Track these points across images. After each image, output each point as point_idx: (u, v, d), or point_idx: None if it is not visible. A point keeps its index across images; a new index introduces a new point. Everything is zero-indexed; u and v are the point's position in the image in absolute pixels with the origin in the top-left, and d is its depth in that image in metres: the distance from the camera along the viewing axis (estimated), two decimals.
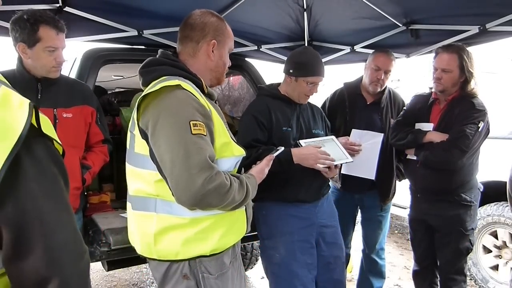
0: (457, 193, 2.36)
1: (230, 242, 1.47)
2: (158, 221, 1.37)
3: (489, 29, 2.46)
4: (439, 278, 2.54)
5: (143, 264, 3.88)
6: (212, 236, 1.40)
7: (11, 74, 1.92)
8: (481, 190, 2.48)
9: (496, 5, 2.29)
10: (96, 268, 3.86)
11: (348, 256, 2.85)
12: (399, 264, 4.25)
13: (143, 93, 1.35)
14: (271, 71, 3.90)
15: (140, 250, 1.47)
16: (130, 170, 1.46)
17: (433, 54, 2.44)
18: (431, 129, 2.39)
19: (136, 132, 1.38)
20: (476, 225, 2.53)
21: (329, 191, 2.38)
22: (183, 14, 2.77)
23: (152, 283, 3.78)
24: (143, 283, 3.79)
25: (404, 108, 2.68)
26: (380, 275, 2.86)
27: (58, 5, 2.50)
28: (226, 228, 1.44)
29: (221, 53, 1.52)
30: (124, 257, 2.27)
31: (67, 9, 2.54)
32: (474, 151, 2.30)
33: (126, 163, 1.49)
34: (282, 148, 1.89)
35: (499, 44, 2.73)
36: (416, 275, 2.67)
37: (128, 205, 1.51)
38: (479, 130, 2.21)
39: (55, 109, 1.94)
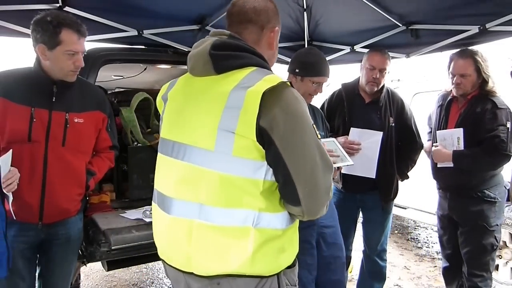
0: (480, 189, 2.40)
1: (298, 248, 1.38)
2: (256, 235, 1.18)
3: (489, 29, 2.46)
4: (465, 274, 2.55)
5: (143, 264, 3.89)
6: (293, 245, 1.33)
7: (26, 72, 1.91)
8: (508, 187, 2.52)
9: (496, 5, 2.29)
10: (96, 268, 3.86)
11: (349, 258, 2.83)
12: (399, 264, 4.25)
13: (262, 88, 1.13)
14: None
15: (217, 269, 1.21)
16: (216, 177, 1.19)
17: (433, 55, 2.47)
18: (461, 134, 2.39)
19: (244, 132, 1.14)
20: (502, 221, 2.56)
21: None
22: (183, 14, 2.81)
23: (152, 283, 3.78)
24: (143, 283, 3.78)
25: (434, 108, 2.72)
26: (381, 276, 2.85)
27: (58, 5, 2.51)
28: (297, 235, 1.38)
29: (277, 43, 1.41)
30: (124, 257, 2.27)
31: (67, 9, 2.54)
32: None
33: (199, 166, 1.22)
34: None
35: (499, 44, 2.73)
36: (446, 272, 2.72)
37: (191, 215, 1.23)
38: (510, 130, 2.29)
39: (67, 113, 1.90)
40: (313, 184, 1.18)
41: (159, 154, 1.39)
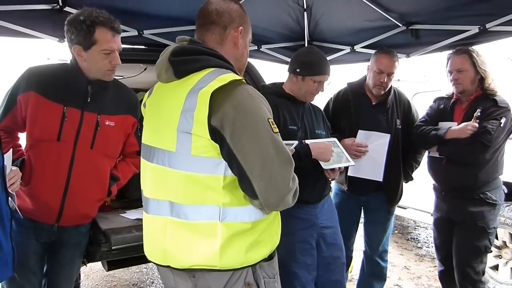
0: (482, 191, 2.39)
1: (277, 241, 1.42)
2: (223, 229, 1.24)
3: (489, 29, 2.46)
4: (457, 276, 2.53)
5: (143, 264, 3.89)
6: (269, 238, 1.36)
7: (61, 68, 1.86)
8: (505, 191, 2.51)
9: (496, 5, 2.29)
10: (96, 268, 3.86)
11: (349, 259, 2.82)
12: (399, 264, 4.25)
13: (212, 88, 1.19)
14: (271, 71, 3.90)
15: (189, 263, 1.27)
16: (180, 176, 1.27)
17: (433, 55, 2.47)
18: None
19: (198, 131, 1.21)
20: (498, 224, 2.55)
21: (332, 193, 2.37)
22: (183, 14, 2.80)
23: (152, 282, 3.78)
24: (143, 283, 3.78)
25: (429, 107, 2.69)
26: (382, 276, 2.83)
27: (58, 5, 2.50)
28: (276, 228, 1.41)
29: (245, 42, 1.44)
30: (124, 257, 2.27)
31: (67, 9, 2.53)
32: (496, 147, 2.34)
33: (165, 167, 1.30)
34: (296, 142, 1.93)
35: (499, 44, 2.73)
36: (442, 275, 2.69)
37: (164, 213, 1.32)
38: (501, 125, 2.28)
39: (99, 115, 1.85)
40: (268, 178, 1.20)
41: (141, 158, 1.47)
